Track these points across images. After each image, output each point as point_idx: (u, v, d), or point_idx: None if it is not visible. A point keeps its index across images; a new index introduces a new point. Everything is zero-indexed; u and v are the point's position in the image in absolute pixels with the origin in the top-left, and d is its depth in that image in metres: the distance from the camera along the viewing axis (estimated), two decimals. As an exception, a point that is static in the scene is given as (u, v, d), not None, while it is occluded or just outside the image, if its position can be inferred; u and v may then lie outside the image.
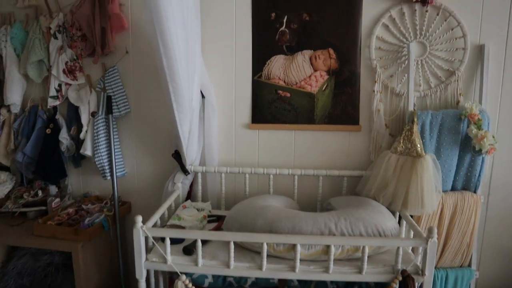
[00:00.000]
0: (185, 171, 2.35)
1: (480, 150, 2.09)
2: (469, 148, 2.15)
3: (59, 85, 2.49)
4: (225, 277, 1.96)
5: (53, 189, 2.51)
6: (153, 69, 2.40)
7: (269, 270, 1.78)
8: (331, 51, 2.29)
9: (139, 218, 1.78)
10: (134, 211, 2.62)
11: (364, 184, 2.23)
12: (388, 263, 1.80)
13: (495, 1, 2.17)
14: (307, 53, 2.31)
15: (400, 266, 1.74)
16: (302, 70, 2.32)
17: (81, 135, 2.48)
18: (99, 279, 2.38)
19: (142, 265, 1.82)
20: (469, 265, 2.30)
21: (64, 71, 2.45)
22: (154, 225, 1.92)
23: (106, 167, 2.45)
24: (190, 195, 2.47)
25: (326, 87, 2.32)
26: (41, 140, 2.53)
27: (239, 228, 1.88)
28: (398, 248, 1.73)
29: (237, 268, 1.79)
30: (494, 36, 2.18)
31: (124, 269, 2.57)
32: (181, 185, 2.38)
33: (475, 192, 2.22)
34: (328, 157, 2.40)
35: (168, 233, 1.81)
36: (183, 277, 1.80)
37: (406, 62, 2.22)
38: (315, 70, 2.31)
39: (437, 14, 2.18)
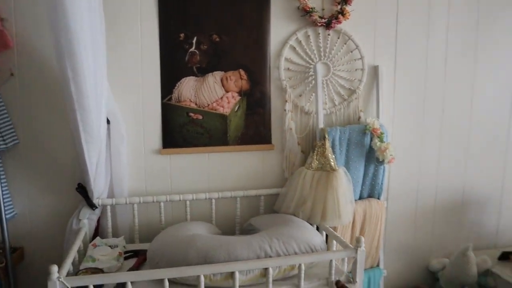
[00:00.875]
0: (92, 205, 2.14)
1: (383, 160, 2.34)
2: (372, 159, 2.39)
3: None
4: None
5: None
6: (45, 94, 2.19)
7: (207, 304, 1.73)
8: (242, 72, 2.33)
9: (55, 268, 1.57)
10: (28, 258, 2.29)
11: (282, 201, 2.30)
12: (321, 276, 1.89)
13: (384, 28, 2.46)
14: (218, 74, 2.31)
15: (333, 278, 1.84)
16: (214, 92, 2.31)
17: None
18: None
19: (61, 319, 1.61)
20: (378, 265, 2.54)
21: None
22: (67, 273, 1.71)
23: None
24: (97, 232, 2.25)
25: (238, 108, 2.35)
26: None
27: (168, 262, 1.78)
28: (331, 261, 1.83)
29: (174, 306, 1.70)
30: (385, 59, 2.47)
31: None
32: (87, 221, 2.16)
33: (379, 198, 2.46)
34: (244, 178, 2.42)
35: (92, 280, 1.63)
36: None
37: (313, 81, 2.37)
38: (227, 91, 2.32)
39: (338, 38, 2.39)
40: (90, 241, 2.14)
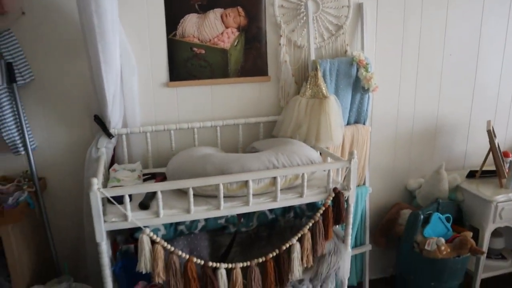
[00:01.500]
0: (109, 135, 2.36)
1: (368, 88, 2.64)
2: (358, 88, 2.68)
3: None
4: (176, 227, 2.12)
5: (-51, 173, 2.26)
6: (55, 32, 2.35)
7: (226, 208, 2.01)
8: (240, 9, 2.53)
9: (95, 180, 1.81)
10: (50, 187, 2.52)
11: (280, 127, 2.58)
12: (320, 185, 2.20)
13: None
14: (218, 11, 2.50)
15: (331, 186, 2.16)
16: (215, 28, 2.52)
17: (-21, 111, 2.26)
18: (30, 261, 2.28)
19: (102, 227, 1.87)
20: (364, 184, 2.90)
21: None
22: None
23: (18, 141, 2.30)
24: (113, 160, 2.48)
25: (237, 43, 2.57)
26: None
27: (188, 176, 2.04)
28: (329, 171, 2.14)
29: (197, 212, 1.98)
30: (369, -4, 2.72)
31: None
32: (104, 149, 2.39)
33: (364, 124, 2.78)
34: (243, 107, 2.68)
35: (127, 191, 1.89)
36: (147, 230, 1.91)
37: (305, 18, 2.60)
38: (227, 27, 2.53)
39: (327, -25, 2.62)
40: (109, 168, 2.38)
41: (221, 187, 1.96)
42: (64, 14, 2.32)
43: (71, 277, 2.37)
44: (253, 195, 2.04)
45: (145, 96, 2.51)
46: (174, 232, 2.12)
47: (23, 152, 2.32)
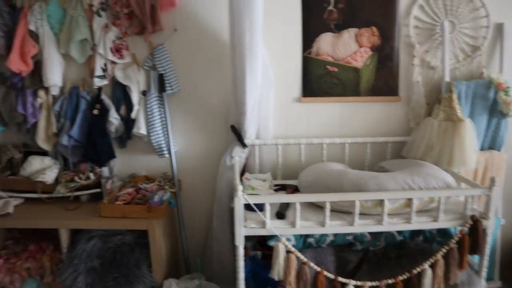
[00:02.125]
0: (244, 145, 2.52)
1: (507, 113, 2.53)
2: (495, 112, 2.59)
3: (105, 65, 2.52)
4: (305, 239, 2.20)
5: (105, 171, 2.57)
6: (202, 48, 2.58)
7: (360, 226, 2.06)
8: (374, 29, 2.58)
9: (240, 187, 1.96)
10: (185, 189, 2.75)
11: (410, 148, 2.57)
12: (455, 211, 2.16)
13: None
14: (353, 31, 2.58)
15: (468, 213, 2.11)
16: (348, 47, 2.59)
17: (133, 115, 2.55)
18: (166, 255, 2.51)
19: (242, 231, 2.01)
20: (496, 214, 2.77)
21: (111, 49, 2.48)
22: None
23: (163, 145, 2.55)
24: (244, 169, 2.64)
25: (370, 62, 2.62)
26: (87, 122, 2.55)
27: (325, 190, 2.12)
28: (467, 197, 2.10)
29: (332, 226, 2.05)
30: (511, 16, 2.62)
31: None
32: (238, 158, 2.55)
33: (499, 150, 2.67)
34: (371, 126, 2.72)
35: (268, 199, 2.02)
36: (283, 239, 2.01)
37: (440, 38, 2.58)
38: (360, 47, 2.60)
39: (464, -4, 2.58)
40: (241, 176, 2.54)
41: (357, 204, 2.01)
42: (211, 31, 2.55)
43: (203, 275, 2.55)
44: (387, 214, 2.07)
45: (278, 109, 2.65)
46: (303, 243, 2.20)
47: (167, 155, 2.56)
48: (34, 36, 2.49)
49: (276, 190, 2.44)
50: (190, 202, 2.77)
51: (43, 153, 2.66)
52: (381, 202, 2.04)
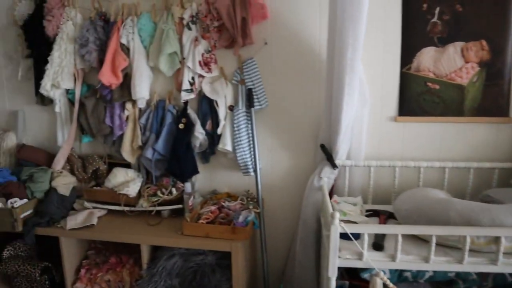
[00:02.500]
0: (334, 165, 2.37)
1: None
2: None
3: (193, 78, 2.48)
4: (401, 273, 2.01)
5: (188, 186, 2.51)
6: (291, 63, 2.46)
7: (470, 264, 1.82)
8: (484, 42, 2.34)
9: (337, 214, 1.81)
10: (268, 208, 2.64)
11: (522, 176, 2.30)
12: None
13: None
14: (459, 44, 2.35)
15: None
16: (453, 62, 2.37)
17: (219, 130, 2.49)
18: (246, 278, 2.40)
19: (336, 262, 1.85)
20: None
21: (200, 63, 2.44)
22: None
23: (249, 163, 2.46)
24: (332, 190, 2.49)
25: (476, 79, 2.37)
26: (172, 136, 2.52)
27: (428, 221, 1.92)
28: None
29: (437, 262, 1.83)
30: None
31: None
32: (326, 179, 2.41)
33: None
34: (476, 149, 2.46)
35: (367, 229, 1.85)
36: (381, 273, 1.83)
37: (562, 53, 2.30)
38: (466, 62, 2.36)
39: None
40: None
41: (468, 239, 1.78)
42: (304, 45, 2.43)
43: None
44: (503, 253, 1.82)
45: (371, 129, 2.47)
46: (398, 277, 2.02)
47: (252, 174, 2.47)
48: (125, 49, 2.52)
49: (367, 216, 2.26)
50: (272, 222, 2.66)
51: (127, 165, 2.67)
52: (496, 239, 1.80)
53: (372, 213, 2.29)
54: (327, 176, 2.40)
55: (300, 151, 2.56)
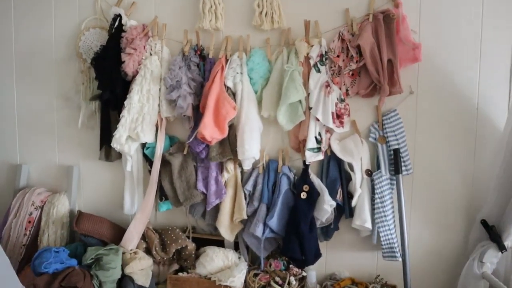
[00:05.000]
0: (503, 248, 1.92)
1: None
2: None
3: (319, 134, 1.98)
4: None
5: (313, 276, 1.98)
6: (442, 117, 2.01)
7: None
8: None
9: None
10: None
11: None
12: None
13: None
14: None
15: None
16: None
17: (353, 202, 1.98)
18: None
19: None
20: None
21: (333, 115, 1.94)
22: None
23: (395, 244, 1.95)
24: (490, 278, 2.04)
25: None
26: (288, 208, 1.99)
27: None
28: None
29: None
30: None
31: None
32: (490, 265, 1.95)
33: None
34: None
35: None
36: None
37: None
38: None
39: None
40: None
41: None
42: (461, 94, 1.99)
43: None
44: None
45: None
46: None
47: (399, 259, 1.96)
48: (230, 94, 1.99)
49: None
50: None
51: (217, 242, 2.11)
52: None
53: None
54: (490, 261, 1.95)
55: (446, 227, 2.08)
